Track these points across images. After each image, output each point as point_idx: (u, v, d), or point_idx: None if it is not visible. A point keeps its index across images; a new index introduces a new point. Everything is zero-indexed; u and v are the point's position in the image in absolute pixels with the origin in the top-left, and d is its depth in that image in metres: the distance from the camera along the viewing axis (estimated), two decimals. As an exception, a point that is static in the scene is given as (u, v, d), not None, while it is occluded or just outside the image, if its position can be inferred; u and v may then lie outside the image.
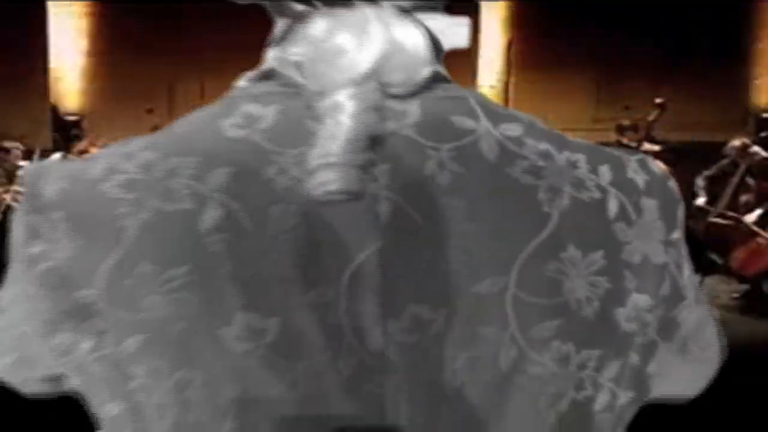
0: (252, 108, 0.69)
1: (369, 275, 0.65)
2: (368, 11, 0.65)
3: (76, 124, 11.10)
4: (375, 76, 0.65)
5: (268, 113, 0.68)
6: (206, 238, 0.65)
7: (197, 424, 0.66)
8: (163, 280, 0.65)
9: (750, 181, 7.85)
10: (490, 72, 12.36)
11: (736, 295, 7.40)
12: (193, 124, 0.72)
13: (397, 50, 0.66)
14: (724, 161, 8.28)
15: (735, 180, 7.85)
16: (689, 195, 8.17)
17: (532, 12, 12.19)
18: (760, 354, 6.15)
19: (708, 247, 6.90)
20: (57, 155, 8.78)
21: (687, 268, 0.75)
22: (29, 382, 0.76)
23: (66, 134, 10.30)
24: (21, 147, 8.34)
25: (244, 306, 0.64)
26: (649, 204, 0.71)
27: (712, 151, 9.04)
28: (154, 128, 9.35)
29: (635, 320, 0.70)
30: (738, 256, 7.30)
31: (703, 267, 6.59)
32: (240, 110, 0.70)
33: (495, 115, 0.70)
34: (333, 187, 0.62)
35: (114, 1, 11.38)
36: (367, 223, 0.65)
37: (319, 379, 0.65)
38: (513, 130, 0.70)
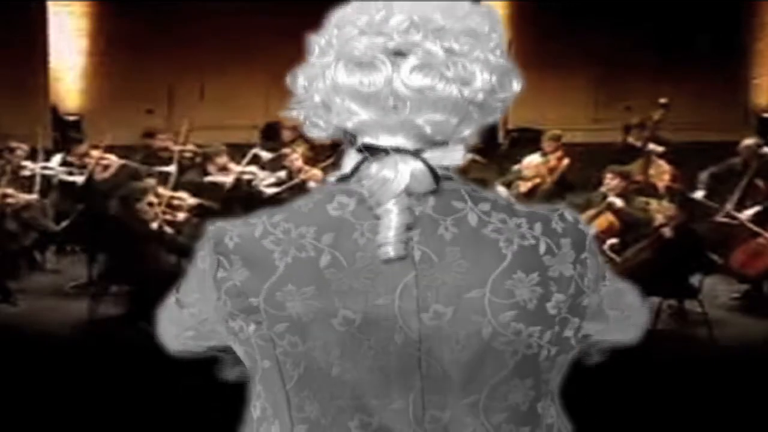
0: (343, 199, 1.24)
1: (410, 289, 1.21)
2: (396, 157, 1.21)
3: (76, 124, 11.10)
4: (405, 191, 1.20)
5: (351, 202, 1.23)
6: (323, 271, 1.20)
7: (319, 369, 1.21)
8: (299, 293, 1.21)
9: (759, 182, 7.81)
10: (490, 72, 12.34)
11: (736, 295, 7.40)
12: (310, 206, 1.25)
13: (413, 176, 1.21)
14: (734, 159, 8.21)
15: (744, 180, 7.82)
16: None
17: (532, 12, 12.18)
18: (760, 354, 6.15)
19: (708, 247, 6.89)
20: (57, 156, 8.78)
21: (588, 275, 1.27)
22: (197, 348, 1.40)
23: (66, 134, 10.31)
24: (26, 147, 8.32)
25: (343, 307, 1.20)
26: (565, 242, 1.25)
27: (712, 151, 9.03)
28: (152, 129, 9.34)
29: (555, 308, 1.24)
30: (738, 256, 7.29)
31: (703, 267, 6.58)
32: (336, 200, 1.24)
33: (475, 199, 1.25)
34: (391, 254, 1.18)
35: (114, 1, 11.38)
36: (407, 262, 1.20)
37: (382, 345, 1.21)
38: (485, 207, 1.25)
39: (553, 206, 1.31)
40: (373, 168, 1.21)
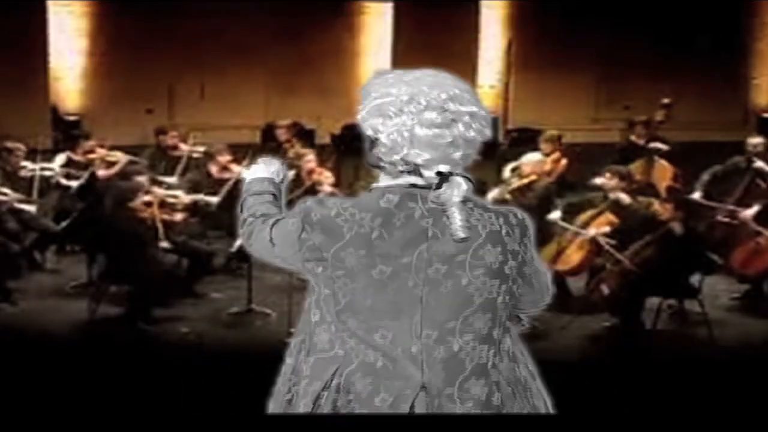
0: (390, 195, 1.97)
1: (423, 253, 1.95)
2: (456, 178, 1.97)
3: (76, 124, 11.10)
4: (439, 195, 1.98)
5: (395, 198, 1.97)
6: (373, 240, 1.94)
7: (359, 300, 1.96)
8: (357, 254, 1.95)
9: (760, 182, 7.77)
10: (490, 72, 12.36)
11: (736, 295, 7.38)
12: (368, 199, 1.99)
13: (464, 189, 1.98)
14: (738, 158, 8.15)
15: (746, 179, 7.78)
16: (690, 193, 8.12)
17: (532, 12, 12.18)
18: (760, 354, 6.15)
19: (708, 247, 6.88)
20: (61, 155, 8.74)
21: (529, 251, 2.04)
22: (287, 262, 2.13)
23: (66, 134, 10.29)
24: (23, 148, 8.28)
25: (380, 262, 1.94)
26: (516, 230, 2.01)
27: (712, 151, 9.02)
28: (160, 127, 9.33)
29: (510, 270, 1.99)
30: (738, 256, 7.28)
31: (703, 267, 6.57)
32: (385, 196, 1.97)
33: (469, 201, 1.97)
34: (462, 236, 1.92)
35: (114, 1, 11.38)
36: (423, 236, 1.96)
37: (400, 287, 1.95)
38: (470, 205, 1.96)
39: (510, 207, 2.07)
40: (444, 185, 1.95)
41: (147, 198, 6.91)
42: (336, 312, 1.98)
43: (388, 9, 12.14)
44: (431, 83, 1.98)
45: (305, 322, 2.06)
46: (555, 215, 7.07)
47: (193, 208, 7.67)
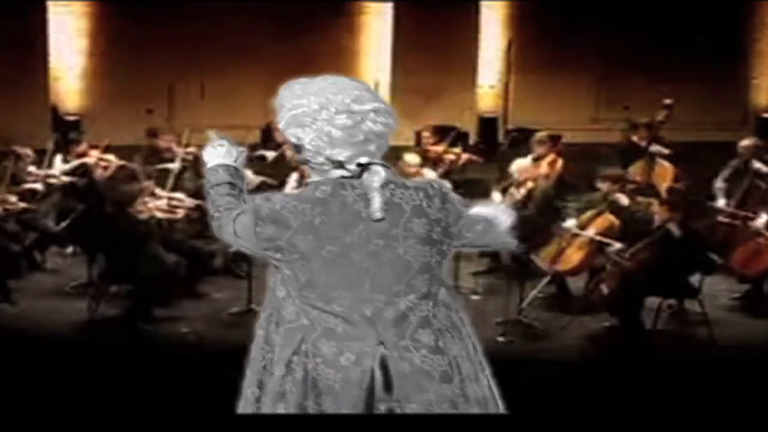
0: (323, 187, 2.33)
1: (361, 232, 2.31)
2: (377, 167, 2.34)
3: (76, 124, 11.09)
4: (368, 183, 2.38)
5: (328, 188, 2.32)
6: (317, 227, 2.29)
7: (315, 277, 2.32)
8: (305, 239, 2.29)
9: (760, 183, 7.75)
10: (490, 72, 12.35)
11: (736, 295, 7.38)
12: (306, 192, 2.36)
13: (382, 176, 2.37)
14: (735, 161, 8.14)
15: (746, 180, 7.77)
16: (693, 193, 8.12)
17: (532, 12, 12.18)
18: (760, 354, 6.15)
19: (709, 247, 6.87)
20: (58, 157, 8.73)
21: (452, 213, 2.39)
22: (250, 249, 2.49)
23: (66, 134, 10.28)
24: (31, 153, 8.26)
25: (327, 244, 2.30)
26: (436, 199, 2.36)
27: (712, 151, 9.02)
28: (154, 128, 9.31)
29: (437, 235, 2.36)
30: (738, 256, 7.28)
31: (703, 267, 6.57)
32: (319, 188, 2.33)
33: (389, 181, 2.34)
34: (379, 216, 2.31)
35: (114, 1, 11.38)
36: (358, 218, 2.32)
37: (348, 262, 2.31)
38: (392, 186, 2.34)
39: (429, 180, 2.57)
40: (365, 174, 2.30)
41: (148, 199, 6.91)
42: (298, 288, 2.32)
43: (388, 9, 12.14)
44: (334, 90, 2.33)
45: (272, 298, 2.41)
46: (570, 223, 7.02)
47: (194, 211, 7.67)
